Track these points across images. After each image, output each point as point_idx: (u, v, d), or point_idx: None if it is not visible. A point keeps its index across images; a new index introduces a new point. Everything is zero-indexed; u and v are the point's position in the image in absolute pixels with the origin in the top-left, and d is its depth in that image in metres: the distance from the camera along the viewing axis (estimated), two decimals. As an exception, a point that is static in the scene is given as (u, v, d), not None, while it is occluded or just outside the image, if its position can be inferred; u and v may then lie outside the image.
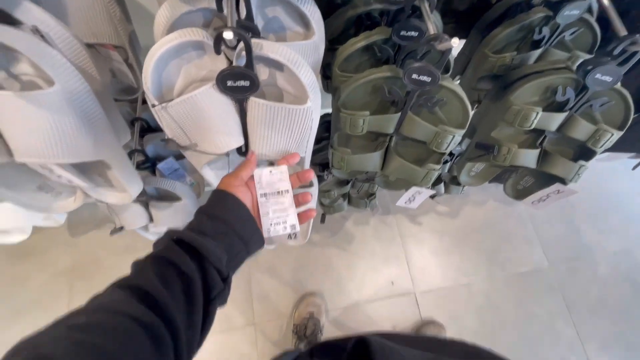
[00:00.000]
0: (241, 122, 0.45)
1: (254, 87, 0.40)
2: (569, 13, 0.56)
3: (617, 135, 0.59)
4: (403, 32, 0.50)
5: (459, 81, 0.77)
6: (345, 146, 0.66)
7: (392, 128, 0.57)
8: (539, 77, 0.57)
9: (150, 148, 0.82)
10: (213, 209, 0.39)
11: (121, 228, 0.84)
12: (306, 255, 1.26)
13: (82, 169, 0.55)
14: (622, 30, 0.50)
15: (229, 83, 0.39)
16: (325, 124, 0.77)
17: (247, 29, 0.43)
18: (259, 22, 0.47)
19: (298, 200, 0.45)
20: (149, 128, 0.85)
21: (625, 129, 0.59)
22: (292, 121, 0.46)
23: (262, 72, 0.45)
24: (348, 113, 0.55)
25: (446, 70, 0.60)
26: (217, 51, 0.37)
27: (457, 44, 0.40)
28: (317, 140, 0.60)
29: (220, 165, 0.56)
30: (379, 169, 0.67)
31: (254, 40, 0.39)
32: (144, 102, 0.84)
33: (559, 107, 0.59)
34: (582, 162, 0.63)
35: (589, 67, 0.52)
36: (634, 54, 0.50)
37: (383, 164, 0.66)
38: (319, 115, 0.50)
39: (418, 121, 0.55)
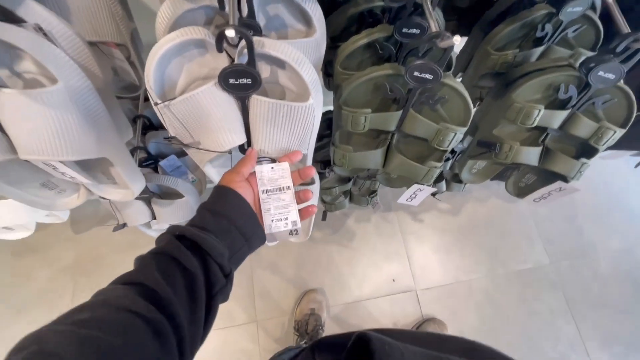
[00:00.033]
0: (243, 120, 0.45)
1: (256, 84, 0.41)
2: (572, 10, 0.56)
3: (619, 133, 0.59)
4: (405, 30, 0.50)
5: (461, 79, 0.76)
6: (347, 144, 0.66)
7: (394, 125, 0.57)
8: (541, 74, 0.57)
9: (152, 145, 0.83)
10: (215, 205, 0.39)
11: (124, 225, 0.85)
12: (308, 252, 1.27)
13: (86, 166, 0.56)
14: (625, 28, 0.50)
15: (231, 81, 0.39)
16: (327, 121, 0.77)
17: (248, 26, 0.43)
18: (260, 19, 0.47)
19: (299, 198, 0.46)
20: (151, 125, 0.85)
21: (628, 126, 0.59)
22: (294, 119, 0.46)
23: (264, 70, 0.45)
24: (350, 111, 0.55)
25: (448, 68, 0.60)
26: (219, 49, 0.37)
27: (459, 42, 0.40)
28: (319, 138, 0.60)
29: (222, 162, 0.57)
30: (381, 167, 0.67)
31: (255, 38, 0.39)
32: (146, 99, 0.85)
33: (561, 105, 0.59)
34: (584, 160, 0.63)
35: (592, 65, 0.52)
36: (637, 51, 0.50)
37: (385, 162, 0.66)
38: (321, 112, 0.50)
39: (420, 119, 0.55)
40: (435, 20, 0.45)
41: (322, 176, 0.87)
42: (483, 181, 0.83)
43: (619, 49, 0.51)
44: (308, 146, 0.52)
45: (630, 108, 0.58)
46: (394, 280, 1.26)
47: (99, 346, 0.23)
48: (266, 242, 0.44)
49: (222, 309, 0.36)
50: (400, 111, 0.55)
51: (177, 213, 0.84)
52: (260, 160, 0.49)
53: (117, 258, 1.19)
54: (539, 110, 0.57)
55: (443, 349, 0.27)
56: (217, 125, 0.44)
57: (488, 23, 0.65)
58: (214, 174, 0.55)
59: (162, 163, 0.81)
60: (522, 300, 1.27)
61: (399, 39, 0.51)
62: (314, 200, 0.64)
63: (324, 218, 1.14)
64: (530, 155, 0.65)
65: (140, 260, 0.33)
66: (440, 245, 1.33)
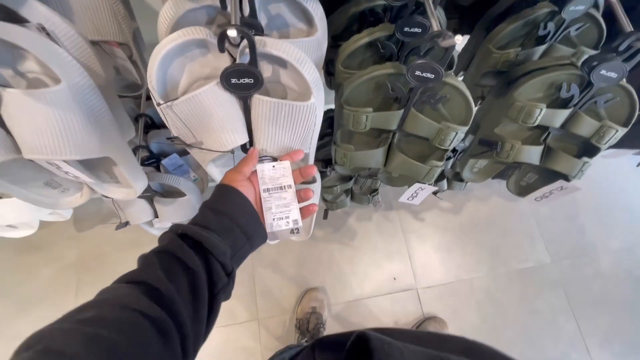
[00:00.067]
0: (245, 120, 0.46)
1: (258, 84, 0.41)
2: (575, 8, 0.56)
3: (621, 131, 0.58)
4: (406, 29, 0.50)
5: (462, 77, 0.76)
6: (348, 142, 0.66)
7: (395, 125, 0.57)
8: (543, 73, 0.56)
9: (154, 144, 0.83)
10: (217, 204, 0.39)
11: (126, 223, 0.85)
12: (309, 250, 1.27)
13: (89, 165, 0.56)
14: (628, 26, 0.49)
15: (233, 81, 0.39)
16: (328, 120, 0.77)
17: (250, 26, 0.43)
18: (262, 19, 0.47)
19: (300, 196, 0.46)
20: (153, 124, 0.85)
21: (630, 125, 0.59)
22: (296, 118, 0.46)
23: (266, 69, 0.45)
24: (351, 110, 0.55)
25: (450, 67, 0.60)
26: (221, 49, 0.37)
27: (460, 41, 0.40)
28: (320, 137, 0.60)
29: (225, 162, 0.57)
30: (382, 166, 0.67)
31: (257, 38, 0.40)
32: (148, 98, 0.85)
33: (563, 104, 0.58)
34: (585, 159, 0.63)
35: (594, 64, 0.51)
36: (640, 50, 0.50)
37: (386, 161, 0.66)
38: (323, 111, 0.50)
39: (421, 118, 0.55)
40: (436, 19, 0.44)
41: (323, 175, 0.87)
42: (484, 180, 0.82)
43: (621, 48, 0.50)
44: (310, 145, 0.52)
45: (632, 107, 0.58)
46: (395, 278, 1.26)
47: (104, 344, 0.23)
48: (267, 240, 0.45)
49: (224, 307, 0.37)
50: (402, 110, 0.55)
51: (179, 211, 0.84)
52: (261, 159, 0.49)
53: (119, 256, 1.20)
54: (541, 109, 0.57)
55: (443, 348, 0.28)
56: (219, 125, 0.44)
57: (490, 21, 0.64)
58: (217, 174, 0.55)
59: (164, 162, 0.82)
60: (523, 299, 1.27)
61: (400, 38, 0.51)
62: (315, 199, 0.64)
63: (325, 217, 1.14)
64: (532, 154, 0.65)
65: (144, 259, 0.34)
66: (442, 243, 1.33)
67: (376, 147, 0.64)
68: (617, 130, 0.58)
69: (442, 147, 0.58)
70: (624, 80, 0.55)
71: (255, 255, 1.24)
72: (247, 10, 0.43)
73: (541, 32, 0.59)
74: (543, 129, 0.65)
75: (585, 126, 0.59)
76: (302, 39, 0.49)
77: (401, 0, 0.52)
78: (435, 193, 1.03)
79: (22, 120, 0.42)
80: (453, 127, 0.55)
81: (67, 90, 0.42)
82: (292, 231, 0.44)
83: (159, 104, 0.41)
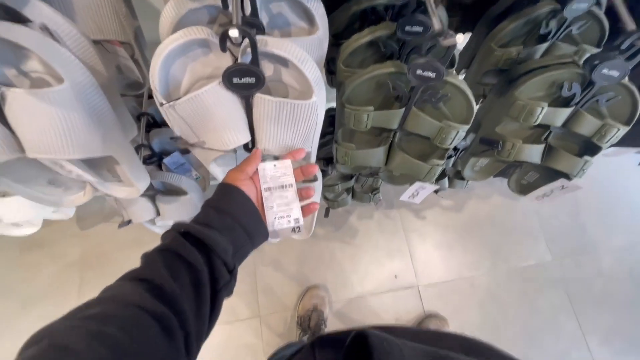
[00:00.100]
0: (247, 119, 0.46)
1: (260, 83, 0.41)
2: (577, 6, 0.55)
3: (623, 130, 0.58)
4: (408, 27, 0.50)
5: (464, 75, 0.76)
6: (350, 141, 0.66)
7: (396, 123, 0.58)
8: (544, 71, 0.56)
9: (156, 143, 0.83)
10: (219, 202, 0.40)
11: (129, 221, 0.86)
12: (310, 248, 1.27)
13: (92, 164, 0.57)
14: (630, 25, 0.49)
15: (235, 80, 0.40)
16: (330, 118, 0.78)
17: (252, 25, 0.43)
18: (263, 18, 0.47)
19: (301, 195, 0.46)
20: (155, 123, 0.85)
21: (632, 124, 0.59)
22: (298, 116, 0.46)
23: (267, 68, 0.45)
24: (352, 108, 0.55)
25: (451, 65, 0.60)
26: (223, 49, 0.37)
27: (461, 40, 0.40)
28: (322, 135, 0.60)
29: (227, 161, 0.57)
30: (383, 165, 0.67)
31: (258, 37, 0.40)
32: (150, 97, 0.85)
33: (565, 103, 0.58)
34: (587, 158, 0.63)
35: (596, 62, 0.51)
36: (642, 48, 0.50)
37: (387, 159, 0.66)
38: (324, 110, 0.51)
39: (422, 117, 0.55)
40: (438, 17, 0.44)
41: (324, 173, 0.87)
42: (485, 178, 0.83)
43: (623, 46, 0.50)
44: (312, 143, 0.52)
45: (634, 105, 0.57)
46: (396, 276, 1.26)
47: (109, 341, 0.23)
48: (269, 239, 0.45)
49: (226, 304, 0.37)
50: (403, 109, 0.55)
51: (181, 210, 0.85)
52: (263, 158, 0.49)
53: (122, 254, 1.20)
54: (542, 108, 0.57)
55: (441, 345, 0.28)
56: (221, 124, 0.44)
57: (492, 19, 0.64)
58: (219, 173, 0.55)
59: (166, 160, 0.82)
60: (524, 297, 1.27)
61: (401, 36, 0.51)
62: (316, 197, 0.64)
63: (326, 215, 1.14)
64: (533, 153, 0.65)
65: (147, 257, 0.34)
66: (443, 242, 1.33)
67: (377, 146, 0.64)
68: (618, 129, 0.58)
69: (443, 146, 0.58)
70: (626, 78, 0.55)
71: (257, 253, 1.24)
72: (248, 10, 0.43)
73: (543, 31, 0.59)
74: (544, 127, 0.65)
75: (587, 125, 0.59)
76: (303, 38, 0.49)
77: (402, -1, 0.52)
78: (436, 191, 1.03)
79: (26, 119, 0.43)
80: (454, 126, 0.55)
81: (70, 89, 0.43)
82: (293, 230, 0.44)
83: (161, 104, 0.41)
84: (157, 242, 0.37)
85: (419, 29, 0.49)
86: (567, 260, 1.33)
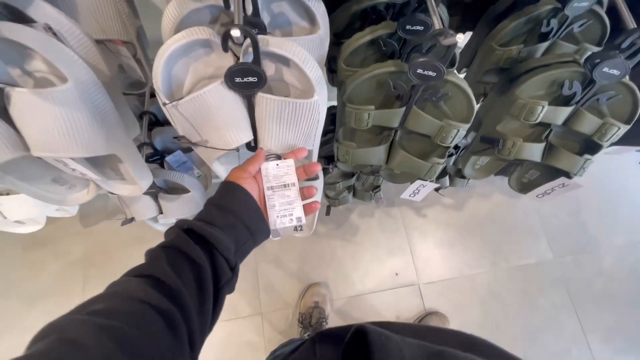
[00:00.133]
0: (249, 118, 0.46)
1: (262, 82, 0.41)
2: (578, 5, 0.55)
3: (623, 129, 0.58)
4: (408, 26, 0.50)
5: (465, 74, 0.76)
6: (351, 140, 0.66)
7: (397, 122, 0.58)
8: (545, 70, 0.56)
9: (158, 141, 0.84)
10: (222, 200, 0.40)
11: (132, 219, 0.86)
12: (311, 246, 1.28)
13: (95, 162, 0.57)
14: (631, 23, 0.49)
15: (237, 79, 0.40)
16: (331, 116, 0.78)
17: (253, 25, 0.43)
18: (265, 17, 0.48)
19: (303, 194, 0.46)
20: (157, 121, 0.86)
21: (633, 122, 0.59)
22: (300, 115, 0.47)
23: (269, 68, 0.45)
24: (353, 107, 0.55)
25: (452, 64, 0.60)
26: (225, 49, 0.37)
27: (461, 40, 0.40)
28: (323, 133, 0.61)
29: (230, 160, 0.58)
30: (384, 163, 0.67)
31: (260, 37, 0.40)
32: (152, 96, 0.86)
33: (566, 101, 0.58)
34: (587, 156, 0.63)
35: (597, 61, 0.51)
36: (643, 47, 0.50)
37: (388, 158, 0.67)
38: (326, 108, 0.51)
39: (423, 115, 0.55)
40: (438, 16, 0.45)
41: (325, 171, 0.87)
42: (486, 177, 0.83)
43: (624, 45, 0.50)
44: (314, 142, 0.53)
45: (635, 104, 0.58)
46: (397, 274, 1.27)
47: (116, 334, 0.24)
48: (271, 237, 0.46)
49: (228, 302, 0.38)
50: (404, 108, 0.55)
51: (183, 208, 0.85)
52: (266, 157, 0.50)
53: (125, 251, 1.21)
54: (543, 107, 0.57)
55: (440, 341, 0.28)
56: (224, 123, 0.44)
57: (493, 18, 0.64)
58: (222, 171, 0.56)
59: (168, 159, 0.83)
60: (525, 295, 1.27)
61: (402, 35, 0.51)
62: (317, 196, 0.65)
63: (327, 213, 1.15)
64: (534, 151, 0.65)
65: (151, 254, 0.35)
66: (444, 240, 1.33)
67: (378, 145, 0.64)
68: (619, 128, 0.58)
69: (444, 145, 0.58)
70: (627, 77, 0.55)
71: (258, 250, 1.25)
72: (250, 9, 0.43)
73: (544, 29, 0.59)
74: (545, 126, 0.65)
75: (587, 123, 0.59)
76: (304, 37, 0.49)
77: (403, -2, 0.52)
78: (437, 190, 1.04)
79: (30, 118, 0.43)
80: (455, 125, 0.55)
81: (74, 89, 0.43)
82: (295, 228, 0.45)
83: (164, 104, 0.42)
84: (159, 240, 0.37)
85: (419, 28, 0.50)
86: (568, 258, 1.34)
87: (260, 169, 0.46)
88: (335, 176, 0.97)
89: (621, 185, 1.46)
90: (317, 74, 0.45)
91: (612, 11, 0.57)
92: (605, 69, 0.51)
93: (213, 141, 0.47)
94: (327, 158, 0.87)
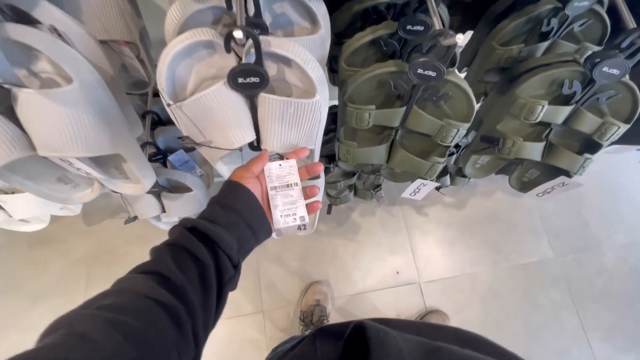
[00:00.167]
0: (252, 118, 0.47)
1: (264, 83, 0.42)
2: (579, 4, 0.56)
3: (623, 128, 0.59)
4: (409, 27, 0.50)
5: (466, 73, 0.76)
6: (352, 139, 0.67)
7: (398, 122, 0.58)
8: (545, 70, 0.57)
9: (161, 140, 0.85)
10: (225, 200, 0.41)
11: (135, 217, 0.87)
12: (313, 245, 1.29)
13: (99, 162, 0.58)
14: (631, 23, 0.50)
15: (240, 80, 0.41)
16: (332, 115, 0.78)
17: (255, 25, 0.44)
18: (266, 18, 0.48)
19: (306, 193, 0.47)
20: (160, 121, 0.87)
21: (633, 122, 0.59)
22: (302, 115, 0.47)
23: (271, 68, 0.46)
24: (354, 107, 0.56)
25: (452, 64, 0.60)
26: (228, 50, 0.38)
27: (461, 40, 0.41)
28: (324, 133, 0.61)
29: (233, 159, 0.58)
30: (385, 162, 0.68)
31: (262, 38, 0.40)
32: (155, 95, 0.86)
33: (565, 101, 0.59)
34: (587, 155, 0.63)
35: (597, 60, 0.52)
36: (643, 46, 0.50)
37: (388, 157, 0.67)
38: (327, 108, 0.51)
39: (423, 115, 0.56)
40: (438, 17, 0.45)
41: (327, 170, 0.88)
42: (486, 176, 0.83)
43: (624, 45, 0.51)
44: (315, 141, 0.53)
45: (635, 103, 0.58)
46: (398, 272, 1.27)
47: (124, 329, 0.25)
48: (274, 235, 0.46)
49: (230, 299, 0.38)
50: (404, 107, 0.56)
51: (186, 206, 0.86)
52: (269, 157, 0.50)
53: (128, 249, 1.22)
54: (543, 106, 0.57)
55: (438, 337, 0.29)
56: (227, 123, 0.45)
57: (493, 18, 0.65)
58: (225, 171, 0.56)
59: (170, 158, 0.83)
60: (526, 294, 1.28)
61: (403, 35, 0.52)
62: (318, 195, 0.65)
63: (329, 212, 1.15)
64: (534, 150, 0.65)
65: (156, 251, 0.35)
66: (445, 238, 1.34)
67: (379, 144, 0.65)
68: (619, 127, 0.58)
69: (444, 144, 0.59)
70: (627, 77, 0.55)
71: (260, 249, 1.26)
72: (252, 10, 0.44)
73: (544, 29, 0.60)
74: (545, 125, 0.65)
75: (587, 123, 0.59)
76: (305, 37, 0.49)
77: (404, -2, 0.52)
78: (438, 189, 1.04)
79: (37, 118, 0.44)
80: (455, 124, 0.55)
81: (79, 89, 0.44)
82: (299, 227, 0.45)
83: (168, 105, 0.42)
84: (162, 238, 0.38)
85: (420, 28, 0.50)
86: (569, 257, 1.34)
87: (263, 169, 0.46)
88: (337, 175, 0.98)
89: (622, 184, 1.46)
90: (318, 74, 0.46)
91: (613, 11, 0.57)
92: (605, 69, 0.51)
93: (216, 141, 0.48)
94: (329, 157, 0.87)
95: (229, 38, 0.37)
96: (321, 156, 0.87)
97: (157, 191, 0.83)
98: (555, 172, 0.70)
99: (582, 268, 1.32)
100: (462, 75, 0.75)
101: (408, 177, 0.80)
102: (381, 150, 0.65)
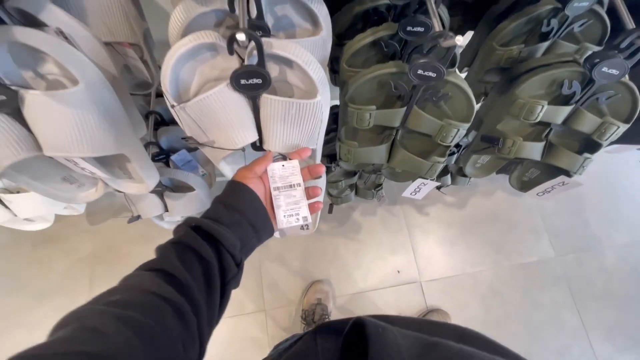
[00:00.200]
0: (254, 118, 0.48)
1: (266, 84, 0.42)
2: (578, 5, 0.56)
3: (623, 128, 0.59)
4: (409, 28, 0.51)
5: (466, 73, 0.77)
6: (352, 139, 0.67)
7: (398, 122, 0.59)
8: (545, 70, 0.57)
9: (164, 140, 0.85)
10: (228, 199, 0.42)
11: (138, 217, 0.88)
12: (314, 244, 1.29)
13: (104, 161, 0.59)
14: (630, 24, 0.50)
15: (242, 81, 0.41)
16: (334, 115, 0.79)
17: (257, 27, 0.44)
18: (268, 20, 0.49)
19: (308, 193, 0.48)
20: (163, 121, 0.88)
21: (632, 122, 0.60)
22: (303, 115, 0.48)
23: (273, 69, 0.46)
24: (355, 107, 0.56)
25: (452, 64, 0.61)
26: (230, 52, 0.39)
27: (460, 42, 0.41)
28: (325, 132, 0.62)
29: (236, 159, 0.59)
30: (385, 162, 0.68)
31: (264, 40, 0.41)
32: (158, 96, 0.87)
33: (565, 101, 0.59)
34: (587, 155, 0.64)
35: (596, 61, 0.52)
36: (642, 47, 0.50)
37: (389, 157, 0.68)
38: (329, 108, 0.52)
39: (423, 115, 0.56)
40: (438, 18, 0.46)
41: (328, 170, 0.89)
42: (487, 175, 0.84)
43: (623, 45, 0.51)
44: (317, 141, 0.54)
45: (634, 103, 0.58)
46: (399, 271, 1.28)
47: (134, 324, 0.26)
48: (277, 235, 0.47)
49: (233, 298, 0.39)
50: (405, 108, 0.56)
51: (188, 205, 0.87)
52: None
53: (131, 248, 1.23)
54: (542, 106, 0.58)
55: (436, 334, 0.29)
56: (230, 124, 0.46)
57: (493, 18, 0.65)
58: (228, 171, 0.57)
59: (173, 157, 0.84)
60: (526, 293, 1.28)
61: (403, 37, 0.52)
62: (319, 196, 0.66)
63: (330, 211, 1.16)
64: (533, 150, 0.66)
65: (161, 250, 0.36)
66: (446, 238, 1.34)
67: (379, 144, 0.65)
68: (618, 127, 0.59)
69: (444, 144, 0.59)
70: (627, 77, 0.55)
71: (262, 249, 1.26)
72: (254, 12, 0.44)
73: (544, 29, 0.60)
74: (545, 125, 0.65)
75: (587, 123, 0.60)
76: (307, 39, 0.50)
77: None
78: (439, 188, 1.05)
79: (43, 119, 0.45)
80: (455, 124, 0.56)
81: (85, 90, 0.45)
82: (302, 227, 0.46)
83: (172, 106, 0.43)
84: (164, 237, 0.39)
85: (420, 29, 0.51)
86: (570, 256, 1.34)
87: (266, 169, 0.47)
88: (338, 175, 0.98)
89: (623, 183, 1.46)
90: (319, 75, 0.47)
91: (613, 11, 0.58)
92: (605, 69, 0.52)
93: (219, 141, 0.49)
94: (330, 156, 0.88)
95: (231, 40, 0.38)
96: (322, 155, 0.87)
97: (160, 190, 0.83)
98: (555, 171, 0.71)
99: (583, 267, 1.33)
100: (463, 75, 0.76)
101: (409, 176, 0.80)
102: (382, 150, 0.66)
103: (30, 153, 0.48)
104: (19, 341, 1.12)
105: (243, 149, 0.49)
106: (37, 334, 0.25)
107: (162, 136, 0.85)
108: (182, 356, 0.28)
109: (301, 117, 0.48)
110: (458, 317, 1.22)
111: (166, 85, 0.42)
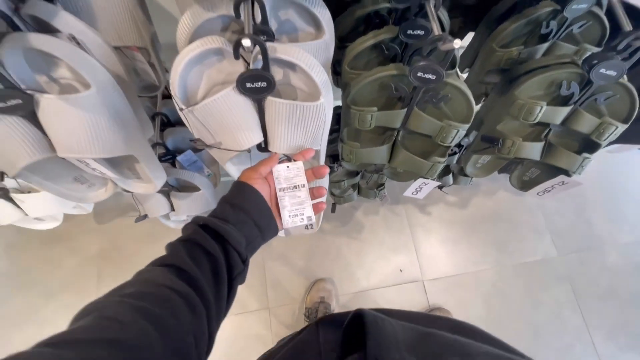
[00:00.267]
0: (260, 120, 0.49)
1: (271, 87, 0.44)
2: (577, 7, 0.57)
3: (621, 128, 0.60)
4: (409, 31, 0.52)
5: (467, 74, 0.78)
6: (355, 140, 0.69)
7: (399, 123, 0.60)
8: (544, 71, 0.58)
9: (170, 141, 0.87)
10: (234, 199, 0.43)
11: (145, 216, 0.90)
12: (317, 243, 1.31)
13: (114, 162, 0.61)
14: (627, 26, 0.51)
15: (248, 85, 0.43)
16: (336, 116, 0.80)
17: (262, 32, 0.46)
18: (272, 24, 0.50)
19: (313, 194, 0.49)
20: (169, 122, 0.89)
21: (630, 122, 0.60)
22: (307, 117, 0.49)
23: (277, 73, 0.48)
24: (357, 109, 0.58)
25: (452, 66, 0.62)
26: (236, 56, 0.40)
27: (459, 45, 0.42)
28: (329, 133, 0.64)
29: (241, 160, 0.61)
30: (387, 162, 0.70)
31: (268, 44, 0.43)
32: (164, 97, 0.89)
33: (564, 101, 0.60)
34: (586, 155, 0.65)
35: (594, 62, 0.53)
36: (639, 49, 0.51)
37: (390, 157, 0.69)
38: (332, 110, 0.53)
39: (424, 116, 0.57)
40: (437, 22, 0.47)
41: (331, 170, 0.90)
42: (488, 175, 0.84)
43: (620, 47, 0.52)
44: (321, 142, 0.55)
45: (632, 104, 0.59)
46: (401, 270, 1.29)
47: (149, 315, 0.27)
48: (283, 234, 0.48)
49: (237, 297, 0.41)
50: (405, 109, 0.57)
51: (194, 205, 0.89)
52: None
53: (138, 247, 1.25)
54: (541, 107, 0.59)
55: (432, 326, 0.31)
56: (236, 126, 0.47)
57: (494, 20, 0.66)
58: (234, 171, 0.59)
59: (179, 158, 0.86)
60: (529, 292, 1.28)
61: (404, 40, 0.53)
62: (324, 196, 0.67)
63: (333, 210, 1.17)
64: (533, 150, 0.67)
65: (171, 246, 0.38)
66: (448, 237, 1.35)
67: (381, 144, 0.67)
68: (616, 127, 0.59)
69: (444, 144, 0.61)
70: (625, 77, 0.56)
71: (266, 248, 1.27)
72: (259, 18, 0.46)
73: (544, 31, 0.61)
74: (544, 125, 0.66)
75: (585, 123, 0.61)
76: (310, 42, 0.51)
77: (405, 3, 0.54)
78: (440, 188, 1.05)
79: (57, 122, 0.47)
80: (455, 125, 0.57)
81: (96, 94, 0.46)
82: (306, 227, 0.48)
83: (181, 109, 0.45)
84: (171, 236, 0.41)
85: (420, 32, 0.52)
86: (572, 255, 1.34)
87: (271, 171, 0.49)
88: (340, 174, 1.00)
89: (625, 183, 1.46)
90: (322, 77, 0.48)
91: (612, 12, 0.58)
92: (602, 70, 0.53)
93: (226, 143, 0.50)
94: (332, 157, 0.89)
95: (237, 45, 0.39)
96: (325, 156, 0.89)
97: (167, 190, 0.85)
98: (555, 171, 0.72)
99: (586, 266, 1.33)
100: (464, 76, 0.77)
101: (410, 176, 0.81)
102: (383, 151, 0.67)
103: (44, 154, 0.50)
104: (29, 337, 1.14)
105: (249, 150, 0.50)
106: (47, 330, 0.26)
107: (168, 137, 0.86)
108: (194, 346, 0.30)
109: (305, 119, 0.49)
110: (460, 316, 1.22)
111: (175, 90, 0.43)
